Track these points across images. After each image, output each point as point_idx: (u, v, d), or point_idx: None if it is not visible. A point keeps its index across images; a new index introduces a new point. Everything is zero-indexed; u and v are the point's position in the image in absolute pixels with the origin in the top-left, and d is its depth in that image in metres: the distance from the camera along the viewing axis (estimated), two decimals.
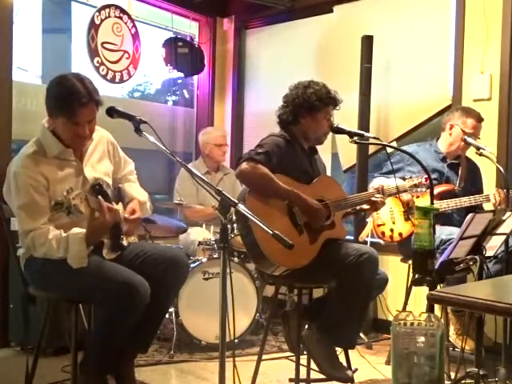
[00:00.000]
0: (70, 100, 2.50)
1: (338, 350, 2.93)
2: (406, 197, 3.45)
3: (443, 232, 3.30)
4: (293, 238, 2.74)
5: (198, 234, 4.25)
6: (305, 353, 3.00)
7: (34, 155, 2.58)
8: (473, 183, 3.73)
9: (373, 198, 3.03)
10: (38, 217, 2.52)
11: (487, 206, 3.60)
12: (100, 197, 2.52)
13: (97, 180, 2.71)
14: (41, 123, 2.68)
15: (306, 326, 2.94)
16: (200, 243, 4.07)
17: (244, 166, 2.79)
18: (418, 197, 3.33)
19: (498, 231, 2.71)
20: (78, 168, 2.69)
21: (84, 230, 2.50)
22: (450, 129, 3.65)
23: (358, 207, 3.09)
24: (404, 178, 3.52)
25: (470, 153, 3.71)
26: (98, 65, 4.53)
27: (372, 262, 2.81)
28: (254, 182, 2.80)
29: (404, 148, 3.84)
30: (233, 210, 2.23)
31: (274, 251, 2.63)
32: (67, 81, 2.54)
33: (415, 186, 3.12)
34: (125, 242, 2.77)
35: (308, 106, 2.99)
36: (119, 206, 2.81)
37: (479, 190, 3.71)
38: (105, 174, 2.80)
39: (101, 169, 2.78)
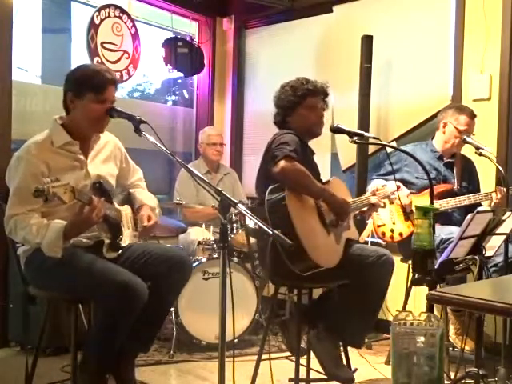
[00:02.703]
0: (101, 76, 2.64)
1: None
2: (404, 200, 3.48)
3: (443, 231, 3.31)
4: (323, 238, 2.82)
5: (198, 233, 4.25)
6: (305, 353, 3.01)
7: (40, 142, 2.64)
8: (470, 181, 3.74)
9: (371, 201, 3.09)
10: (27, 203, 2.54)
11: (486, 204, 3.60)
12: (93, 196, 2.52)
13: (99, 178, 2.74)
14: (41, 123, 2.75)
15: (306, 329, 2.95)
16: (200, 243, 4.07)
17: (284, 163, 2.73)
18: (391, 203, 3.35)
19: (498, 231, 2.71)
20: (83, 162, 2.72)
21: (62, 224, 2.51)
22: (444, 127, 3.67)
23: (357, 211, 3.13)
24: (403, 180, 3.54)
25: (470, 152, 3.71)
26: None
27: (390, 264, 2.88)
28: (295, 180, 2.76)
29: (399, 147, 3.86)
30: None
31: (315, 248, 2.63)
32: (91, 64, 2.79)
33: (392, 193, 3.19)
34: (123, 243, 2.78)
35: (288, 105, 3.00)
36: (124, 208, 2.83)
37: (476, 188, 3.73)
38: (108, 174, 2.83)
39: (105, 169, 2.82)
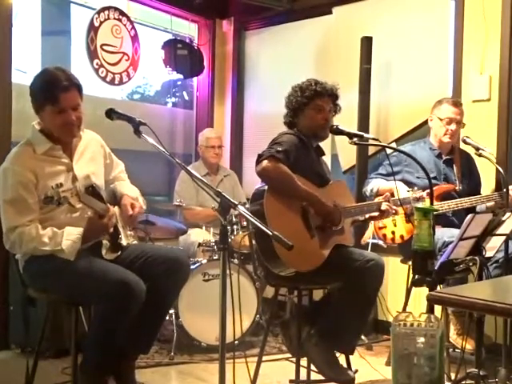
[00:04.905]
0: (52, 87, 2.58)
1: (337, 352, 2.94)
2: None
3: (445, 234, 3.29)
4: (305, 241, 2.77)
5: (198, 235, 4.24)
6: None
7: (23, 152, 2.64)
8: (470, 177, 3.75)
9: (382, 207, 3.06)
10: (25, 213, 2.55)
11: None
12: (109, 205, 2.56)
13: (87, 179, 2.73)
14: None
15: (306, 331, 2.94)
16: (200, 245, 4.07)
17: (266, 163, 2.76)
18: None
19: (498, 232, 2.71)
20: (68, 165, 2.71)
21: (80, 229, 2.54)
22: (431, 121, 3.74)
23: (367, 215, 3.10)
24: (404, 181, 3.53)
25: (470, 152, 3.72)
26: (97, 67, 4.53)
27: (378, 269, 2.83)
28: (276, 181, 2.78)
29: (399, 148, 3.86)
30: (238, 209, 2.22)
31: (287, 252, 2.61)
32: (47, 72, 2.66)
33: (417, 199, 3.14)
34: (124, 242, 2.78)
35: (296, 105, 3.00)
36: (116, 209, 2.82)
37: (477, 183, 3.75)
38: (95, 173, 2.82)
39: (91, 169, 2.81)
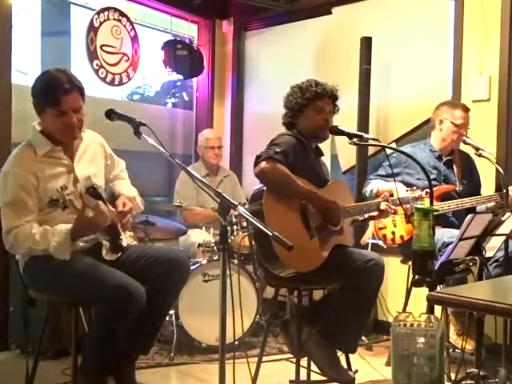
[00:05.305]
0: (53, 89, 2.57)
1: (339, 352, 2.94)
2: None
3: (445, 234, 3.29)
4: (304, 242, 2.77)
5: (198, 236, 4.25)
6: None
7: (23, 154, 2.64)
8: (470, 178, 3.75)
9: (381, 207, 3.06)
10: (23, 215, 2.55)
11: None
12: (100, 201, 2.55)
13: (88, 180, 2.73)
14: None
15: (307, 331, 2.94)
16: (200, 245, 4.07)
17: (264, 164, 2.76)
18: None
19: (498, 232, 2.71)
20: (69, 166, 2.71)
21: (68, 226, 2.53)
22: (440, 124, 3.69)
23: (366, 215, 3.10)
24: (404, 183, 3.52)
25: (469, 152, 3.72)
26: (97, 67, 4.53)
27: (378, 269, 2.83)
28: (274, 182, 2.77)
29: (399, 148, 3.85)
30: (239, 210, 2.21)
31: (287, 252, 2.61)
32: (49, 74, 2.64)
33: (415, 198, 3.14)
34: (124, 243, 2.78)
35: (296, 106, 3.00)
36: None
37: (477, 183, 3.75)
38: (96, 174, 2.82)
39: (92, 170, 2.80)
